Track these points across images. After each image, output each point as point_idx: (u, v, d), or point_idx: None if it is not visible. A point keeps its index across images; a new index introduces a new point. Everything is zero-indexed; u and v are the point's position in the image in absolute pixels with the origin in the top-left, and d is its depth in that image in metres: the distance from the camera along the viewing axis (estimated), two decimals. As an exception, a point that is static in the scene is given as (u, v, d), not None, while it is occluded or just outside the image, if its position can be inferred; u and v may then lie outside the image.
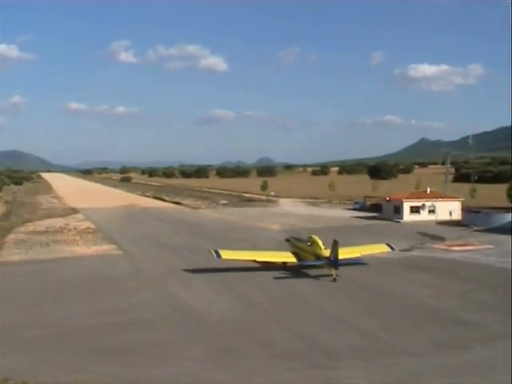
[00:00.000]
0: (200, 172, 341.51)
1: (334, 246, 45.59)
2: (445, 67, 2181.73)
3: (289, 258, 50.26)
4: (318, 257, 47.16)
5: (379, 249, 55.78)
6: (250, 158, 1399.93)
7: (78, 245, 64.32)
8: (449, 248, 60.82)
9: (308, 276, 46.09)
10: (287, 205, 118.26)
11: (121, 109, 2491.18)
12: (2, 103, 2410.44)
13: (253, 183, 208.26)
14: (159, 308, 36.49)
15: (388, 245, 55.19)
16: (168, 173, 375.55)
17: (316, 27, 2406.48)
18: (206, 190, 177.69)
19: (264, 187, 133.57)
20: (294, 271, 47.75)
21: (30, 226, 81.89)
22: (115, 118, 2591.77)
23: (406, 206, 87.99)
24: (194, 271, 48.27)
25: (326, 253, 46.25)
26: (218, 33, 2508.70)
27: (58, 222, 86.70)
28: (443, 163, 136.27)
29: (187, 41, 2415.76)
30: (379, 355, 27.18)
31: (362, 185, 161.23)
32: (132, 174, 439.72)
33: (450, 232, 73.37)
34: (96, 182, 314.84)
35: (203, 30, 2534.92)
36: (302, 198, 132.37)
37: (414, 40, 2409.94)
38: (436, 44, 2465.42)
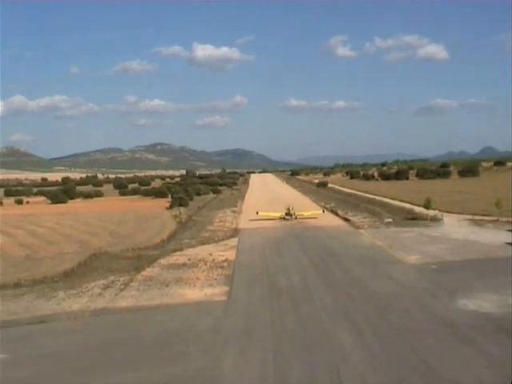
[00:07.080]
0: (400, 173, 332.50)
1: (293, 210, 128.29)
2: None
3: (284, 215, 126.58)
4: (290, 214, 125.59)
5: (316, 211, 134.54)
6: (472, 148, 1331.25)
7: (194, 285, 65.03)
8: None
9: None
10: (450, 225, 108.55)
11: (340, 103, 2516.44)
12: (226, 103, 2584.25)
13: (445, 188, 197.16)
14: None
15: (323, 210, 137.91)
16: (367, 175, 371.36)
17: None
18: (386, 201, 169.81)
19: (427, 206, 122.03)
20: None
21: (174, 256, 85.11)
22: (335, 112, 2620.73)
23: None
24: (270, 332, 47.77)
25: (297, 213, 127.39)
26: (436, 21, 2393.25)
27: (204, 251, 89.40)
28: None
29: (404, 31, 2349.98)
30: None
31: None
32: (336, 175, 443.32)
33: None
34: (294, 186, 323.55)
35: (420, 20, 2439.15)
36: (473, 213, 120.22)
37: None
38: None
